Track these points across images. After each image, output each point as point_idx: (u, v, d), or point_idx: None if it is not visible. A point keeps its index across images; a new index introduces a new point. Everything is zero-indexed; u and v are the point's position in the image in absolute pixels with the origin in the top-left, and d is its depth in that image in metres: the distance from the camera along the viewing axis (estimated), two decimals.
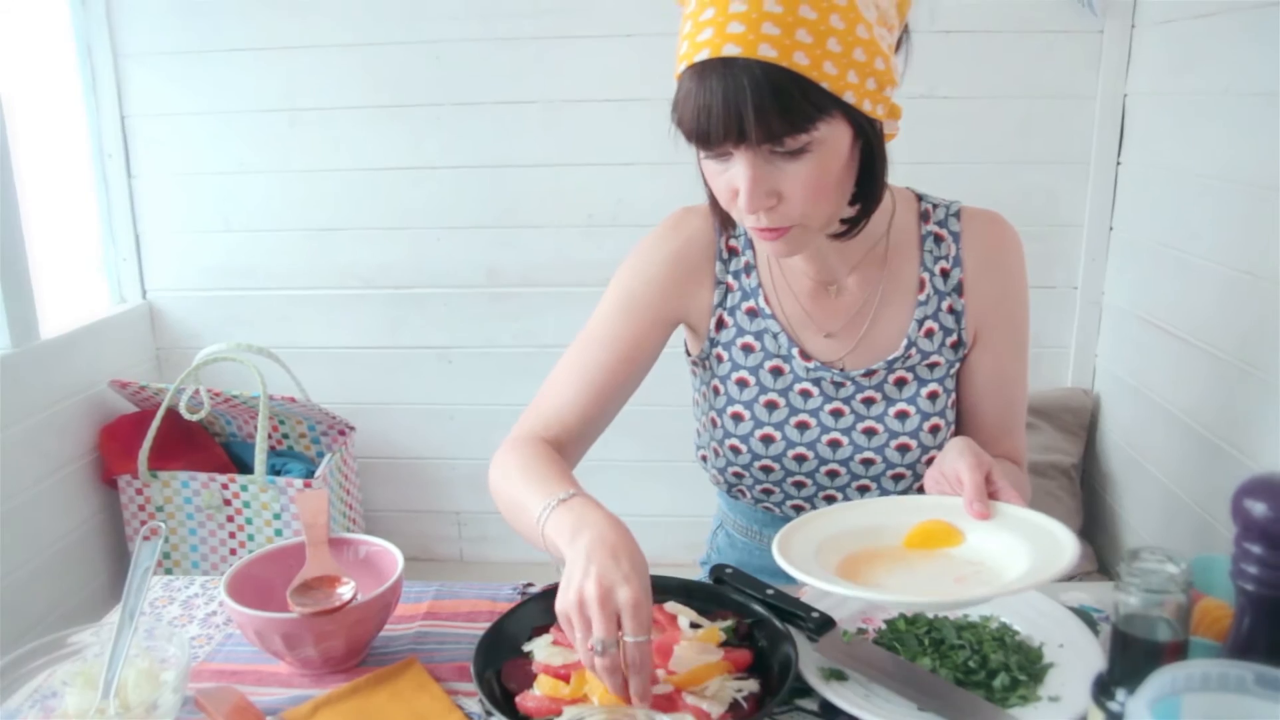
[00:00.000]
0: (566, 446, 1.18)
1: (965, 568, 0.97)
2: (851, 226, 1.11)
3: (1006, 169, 2.35)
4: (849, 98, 0.96)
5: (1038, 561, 0.91)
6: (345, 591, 1.00)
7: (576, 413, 1.19)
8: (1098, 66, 2.27)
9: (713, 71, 0.94)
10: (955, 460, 1.05)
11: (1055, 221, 2.37)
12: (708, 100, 0.95)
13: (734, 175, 1.00)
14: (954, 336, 1.21)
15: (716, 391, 1.25)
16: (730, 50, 0.92)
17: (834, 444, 1.22)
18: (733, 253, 1.24)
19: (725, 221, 1.17)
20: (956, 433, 1.26)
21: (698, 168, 1.08)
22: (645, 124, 2.39)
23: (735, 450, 1.23)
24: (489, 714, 0.92)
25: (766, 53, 0.92)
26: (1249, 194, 1.76)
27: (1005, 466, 1.20)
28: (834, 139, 0.99)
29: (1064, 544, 0.92)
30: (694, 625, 1.00)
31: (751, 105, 0.93)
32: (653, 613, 0.88)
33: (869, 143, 1.03)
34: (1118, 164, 2.30)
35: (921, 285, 1.21)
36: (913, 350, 1.20)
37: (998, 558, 0.96)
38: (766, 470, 1.24)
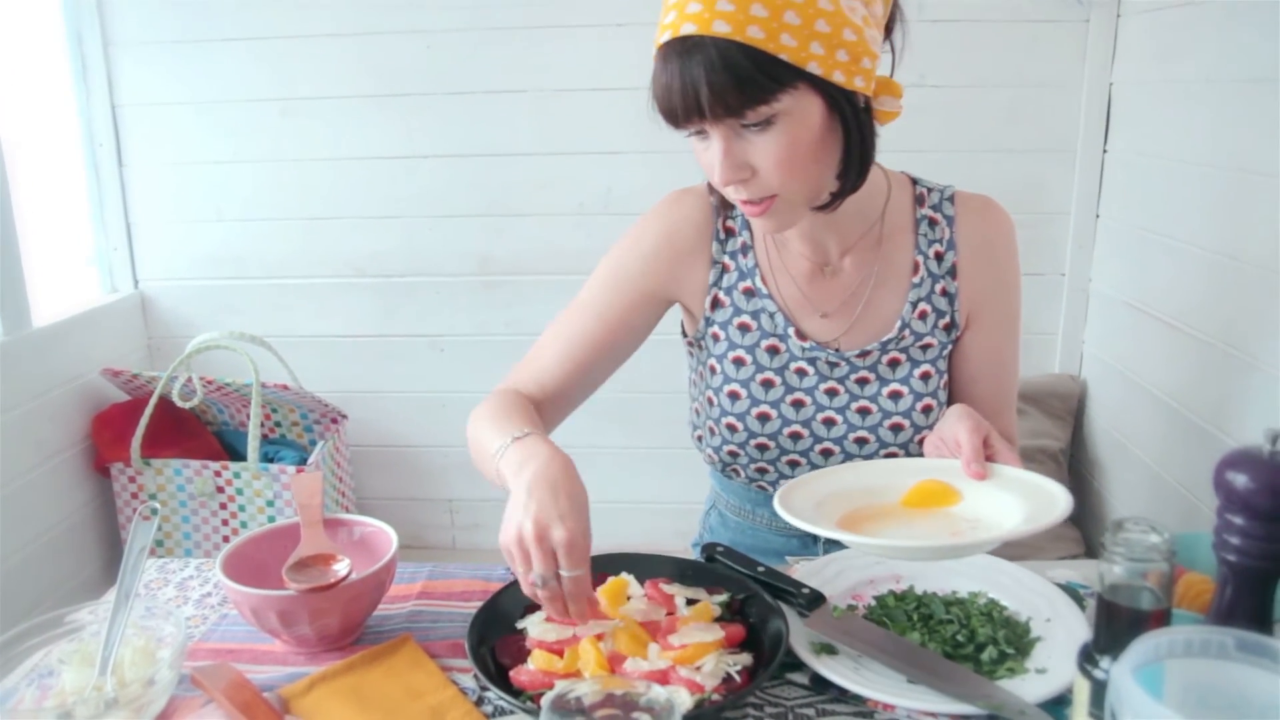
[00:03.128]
0: (544, 409, 1.20)
1: (962, 524, 1.00)
2: (834, 199, 1.12)
3: (994, 157, 2.36)
4: (813, 68, 0.98)
5: (1031, 513, 0.94)
6: (340, 569, 1.01)
7: (557, 378, 1.22)
8: (1084, 55, 2.28)
9: (673, 51, 0.99)
10: (954, 424, 1.08)
11: (1042, 209, 2.39)
12: (669, 80, 0.99)
13: (712, 151, 1.04)
14: (947, 319, 1.23)
15: (713, 370, 1.27)
16: (687, 29, 0.97)
17: (828, 422, 1.24)
18: (730, 233, 1.25)
19: (724, 200, 1.19)
20: None
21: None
22: (636, 113, 2.35)
23: (731, 428, 1.25)
24: (484, 688, 0.93)
25: (720, 29, 0.95)
26: (1233, 179, 1.77)
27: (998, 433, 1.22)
28: (801, 111, 1.01)
29: (1057, 496, 0.95)
30: (690, 602, 1.01)
31: (706, 82, 0.97)
32: (588, 546, 0.92)
33: (845, 115, 1.05)
34: (1104, 152, 2.32)
35: (916, 268, 1.23)
36: (906, 331, 1.22)
37: (993, 515, 0.99)
38: (762, 448, 1.25)
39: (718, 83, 0.97)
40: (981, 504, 1.01)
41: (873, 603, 1.05)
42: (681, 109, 1.00)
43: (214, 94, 2.48)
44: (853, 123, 1.05)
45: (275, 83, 2.46)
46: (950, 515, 1.02)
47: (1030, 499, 0.98)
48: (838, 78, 1.00)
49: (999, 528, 0.96)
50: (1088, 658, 0.72)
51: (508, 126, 2.45)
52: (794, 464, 1.26)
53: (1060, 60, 2.30)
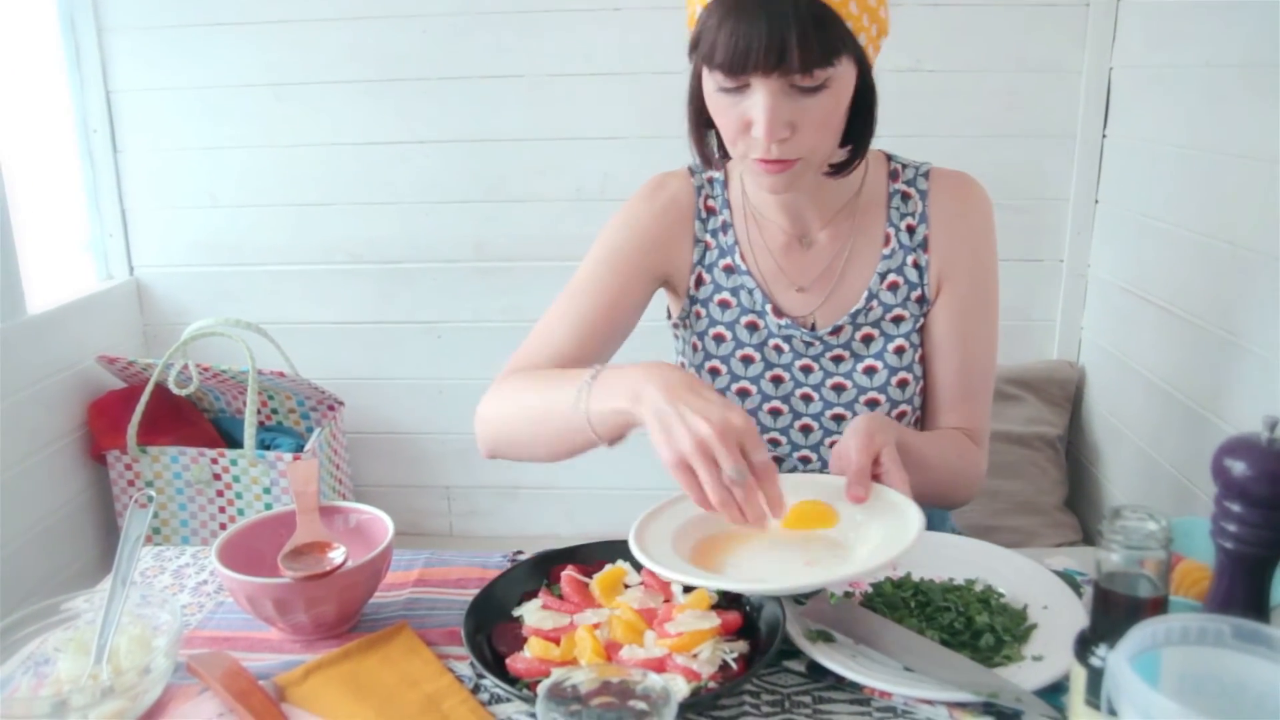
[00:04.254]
0: None
1: (822, 552, 0.99)
2: (842, 167, 1.15)
3: (992, 142, 2.35)
4: (861, 39, 1.03)
5: (885, 538, 0.95)
6: (336, 556, 1.01)
7: (571, 354, 1.22)
8: (1083, 40, 2.27)
9: (754, 1, 0.98)
10: (848, 437, 1.06)
11: (1041, 195, 2.38)
12: (749, 28, 0.98)
13: (749, 107, 1.04)
14: (918, 291, 1.24)
15: (695, 348, 1.28)
16: None
17: (806, 398, 1.25)
18: (711, 212, 1.27)
19: (707, 160, 1.19)
20: (924, 394, 1.28)
21: (688, 108, 1.13)
22: (632, 98, 2.39)
23: None
24: (480, 676, 0.93)
25: None
26: (1232, 165, 1.77)
27: (930, 439, 1.21)
28: (845, 78, 1.05)
29: (911, 521, 0.95)
30: (687, 589, 1.01)
31: (795, 33, 0.97)
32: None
33: (865, 85, 1.08)
34: (1103, 137, 2.31)
35: (887, 240, 1.24)
36: (874, 302, 1.23)
37: (854, 542, 0.99)
38: None
39: (807, 36, 0.98)
40: (849, 529, 1.01)
41: (870, 590, 1.04)
42: (760, 58, 0.99)
43: (209, 79, 2.47)
44: (872, 93, 1.10)
45: (270, 68, 2.45)
46: (818, 539, 1.01)
47: (885, 518, 0.98)
48: (870, 51, 1.06)
49: (854, 553, 0.97)
50: (1085, 645, 0.72)
51: (504, 111, 2.44)
52: (774, 442, 1.27)
53: (1060, 45, 2.28)
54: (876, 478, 1.04)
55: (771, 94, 1.02)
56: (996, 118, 2.35)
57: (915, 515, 0.97)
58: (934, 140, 2.29)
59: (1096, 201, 2.35)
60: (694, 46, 1.05)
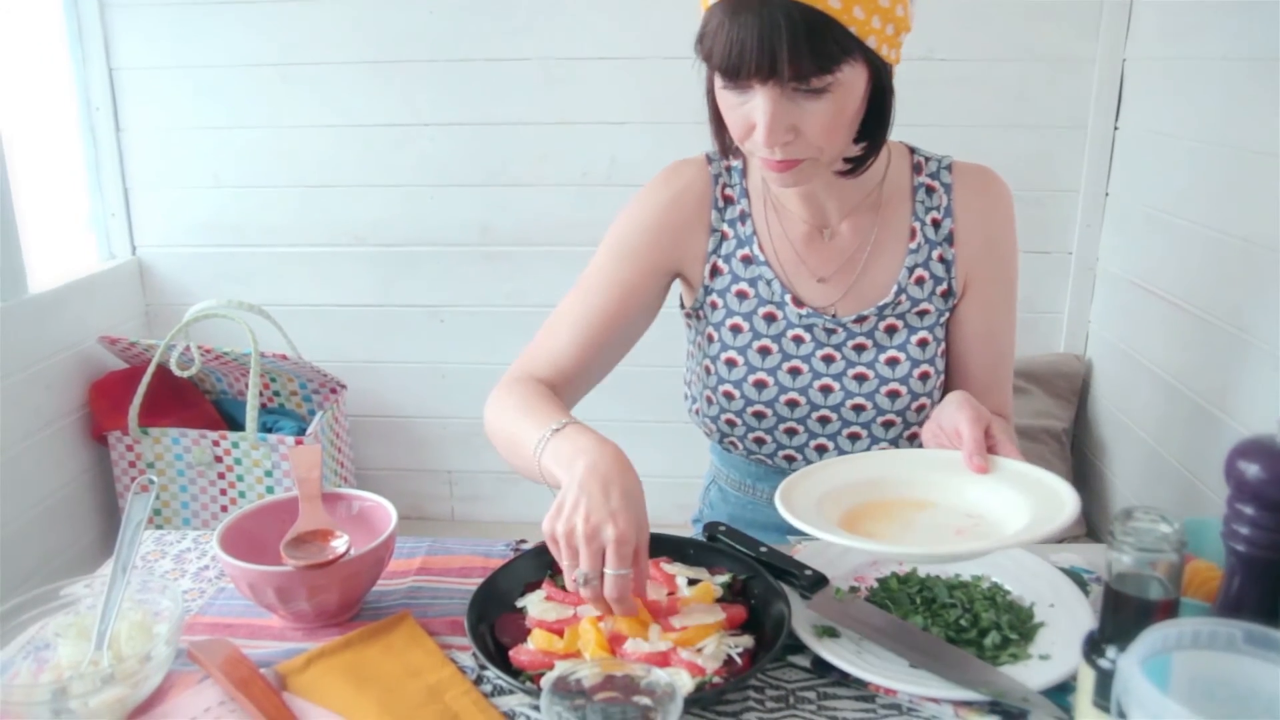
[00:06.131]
0: (561, 391, 1.19)
1: (964, 520, 0.98)
2: (857, 165, 1.14)
3: (1004, 132, 2.34)
4: (871, 42, 1.00)
5: (1038, 515, 0.92)
6: (339, 545, 1.00)
7: (572, 357, 1.21)
8: (1097, 31, 2.25)
9: (747, 7, 0.97)
10: (954, 413, 1.06)
11: (1051, 186, 2.36)
12: (742, 35, 0.97)
13: (752, 109, 1.03)
14: (944, 285, 1.23)
15: (710, 339, 1.27)
16: None
17: (825, 389, 1.24)
18: (729, 201, 1.26)
19: (726, 150, 1.18)
20: (945, 387, 1.28)
21: (706, 99, 1.11)
22: (640, 83, 2.37)
23: (729, 396, 1.25)
24: (483, 667, 0.92)
25: None
26: (1244, 160, 1.75)
27: (1000, 423, 1.21)
28: (852, 81, 1.02)
29: (1064, 498, 0.94)
30: (691, 582, 1.01)
31: (786, 44, 0.96)
32: (645, 541, 0.91)
33: (880, 86, 1.06)
34: (1115, 129, 2.29)
35: (913, 234, 1.23)
36: (903, 297, 1.22)
37: (997, 511, 0.97)
38: (759, 416, 1.25)
39: (798, 46, 0.96)
40: (985, 500, 1.00)
41: (875, 585, 1.04)
42: (753, 66, 0.98)
43: (212, 58, 2.45)
44: (888, 94, 1.07)
45: (274, 48, 2.43)
46: (953, 510, 1.00)
47: (1035, 496, 0.96)
48: (885, 51, 1.02)
49: (1004, 527, 0.95)
50: (1094, 647, 0.71)
51: (510, 95, 2.42)
52: (791, 432, 1.26)
53: (1073, 35, 2.26)
54: (991, 450, 1.04)
55: (771, 99, 1.00)
56: (1008, 108, 2.33)
57: (1055, 480, 0.97)
58: (945, 130, 2.27)
59: (1107, 194, 2.33)
60: (698, 42, 1.03)
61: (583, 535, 0.89)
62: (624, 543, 0.88)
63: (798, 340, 1.24)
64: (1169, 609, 0.69)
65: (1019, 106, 2.33)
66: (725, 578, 1.02)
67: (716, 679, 0.87)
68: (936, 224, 1.23)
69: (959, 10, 2.27)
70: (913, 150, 1.26)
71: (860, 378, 1.23)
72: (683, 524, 1.51)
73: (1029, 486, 0.98)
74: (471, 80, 2.42)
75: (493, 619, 0.97)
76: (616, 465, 0.94)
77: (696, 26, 1.05)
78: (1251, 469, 0.73)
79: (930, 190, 1.24)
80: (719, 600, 0.98)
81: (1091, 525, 2.28)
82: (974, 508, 1.00)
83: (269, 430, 2.32)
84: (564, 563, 0.91)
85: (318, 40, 2.42)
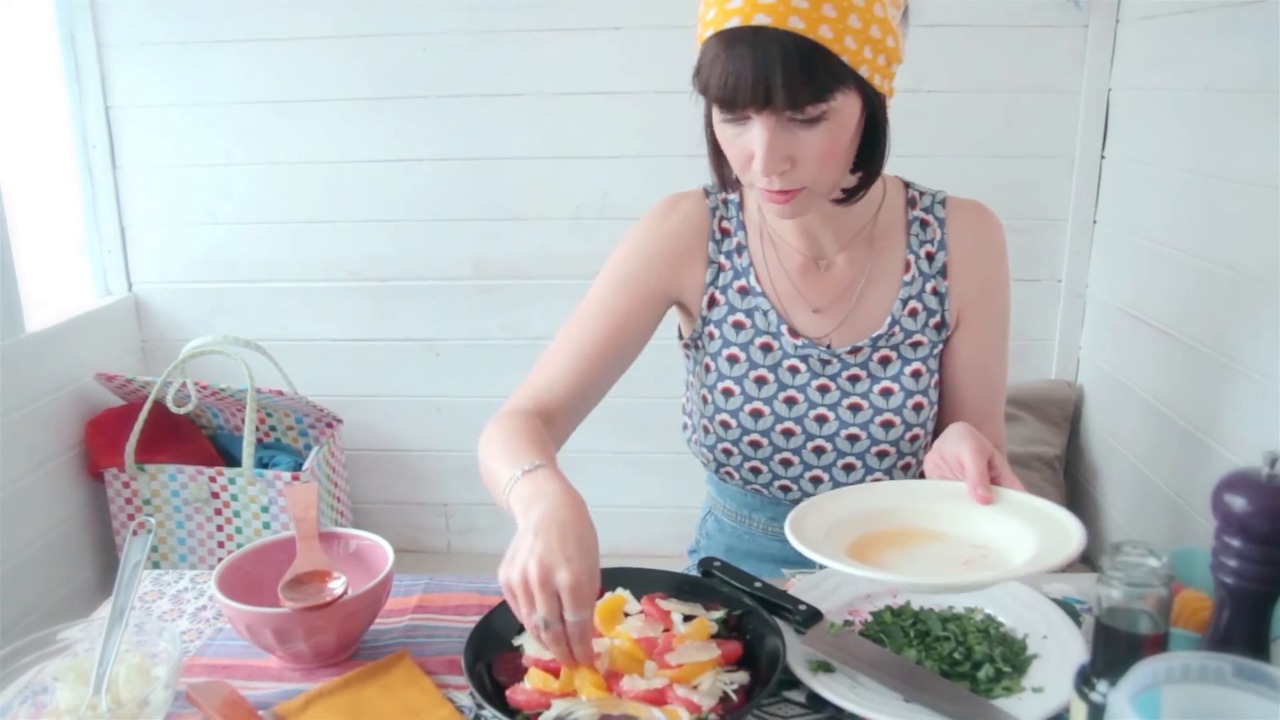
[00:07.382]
0: (557, 417, 1.20)
1: (972, 551, 0.99)
2: (852, 194, 1.16)
3: (991, 163, 2.36)
4: (864, 71, 1.02)
5: (1045, 547, 0.94)
6: (336, 586, 1.01)
7: (568, 382, 1.22)
8: (1082, 61, 2.28)
9: (741, 39, 0.99)
10: (957, 445, 1.08)
11: (1040, 215, 2.39)
12: (737, 66, 0.99)
13: (750, 140, 1.05)
14: (937, 317, 1.25)
15: (708, 369, 1.28)
16: (761, 19, 0.97)
17: (820, 419, 1.25)
18: (725, 233, 1.28)
19: (725, 183, 1.20)
20: (939, 418, 1.29)
21: (705, 133, 1.13)
22: (632, 117, 2.39)
23: (725, 425, 1.26)
24: (480, 707, 0.92)
25: (795, 24, 0.97)
26: (1230, 189, 1.77)
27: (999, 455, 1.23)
28: (846, 110, 1.04)
29: (1069, 530, 0.95)
30: (687, 618, 1.01)
31: (780, 73, 0.98)
32: (596, 588, 0.90)
33: (874, 115, 1.08)
34: (1102, 158, 2.31)
35: (907, 266, 1.25)
36: (896, 328, 1.24)
37: (1004, 542, 0.98)
38: (755, 445, 1.26)
39: (792, 76, 0.98)
40: (989, 530, 1.01)
41: (870, 619, 1.04)
42: (748, 96, 1.00)
43: (208, 96, 2.47)
44: (881, 123, 1.09)
45: (269, 85, 2.45)
46: (961, 541, 1.01)
47: (1041, 528, 0.97)
48: (877, 81, 1.04)
49: (1011, 557, 0.96)
50: (1085, 680, 0.72)
51: (503, 130, 2.45)
52: (786, 462, 1.27)
53: (1059, 66, 2.30)
54: (993, 481, 1.05)
55: (768, 129, 1.02)
56: (995, 138, 2.36)
57: (1059, 511, 0.99)
58: (934, 160, 2.29)
59: (1095, 222, 2.35)
60: (695, 75, 1.05)
61: (536, 579, 0.88)
62: (579, 588, 0.88)
63: (793, 370, 1.25)
64: (1158, 643, 0.70)
65: (1007, 136, 2.36)
66: (720, 613, 1.02)
67: (713, 716, 0.87)
68: (930, 257, 1.25)
69: (946, 43, 2.30)
70: (908, 185, 1.29)
71: (855, 408, 1.25)
72: (678, 554, 1.52)
73: (1034, 518, 0.99)
74: (465, 115, 2.44)
75: (490, 657, 0.97)
76: (573, 512, 0.93)
77: (688, 61, 1.07)
78: (1238, 502, 0.74)
79: (924, 224, 1.26)
80: (714, 636, 0.98)
81: (1085, 552, 2.29)
82: (981, 538, 1.01)
83: (266, 466, 2.32)
84: (520, 610, 0.90)
85: (312, 77, 2.44)
